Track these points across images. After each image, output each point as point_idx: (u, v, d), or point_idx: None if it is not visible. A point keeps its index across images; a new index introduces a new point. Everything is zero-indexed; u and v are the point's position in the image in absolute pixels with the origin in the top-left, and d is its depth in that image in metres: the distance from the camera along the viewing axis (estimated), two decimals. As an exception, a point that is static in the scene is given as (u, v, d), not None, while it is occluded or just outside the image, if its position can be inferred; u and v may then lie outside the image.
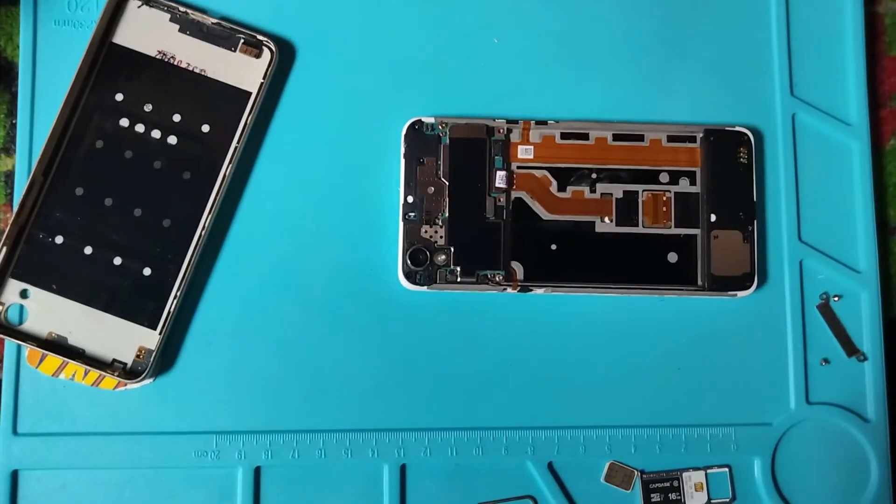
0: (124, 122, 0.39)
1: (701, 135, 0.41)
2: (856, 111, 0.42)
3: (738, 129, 0.41)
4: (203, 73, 0.40)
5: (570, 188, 0.40)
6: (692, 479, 0.40)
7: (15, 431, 0.39)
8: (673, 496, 0.40)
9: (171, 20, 0.40)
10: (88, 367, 0.38)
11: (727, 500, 0.40)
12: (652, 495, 0.40)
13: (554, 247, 0.40)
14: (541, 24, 0.42)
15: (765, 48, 0.43)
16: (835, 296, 0.42)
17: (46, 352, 0.38)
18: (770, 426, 0.41)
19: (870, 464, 0.41)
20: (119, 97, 0.39)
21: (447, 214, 0.40)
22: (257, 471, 0.39)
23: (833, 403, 0.41)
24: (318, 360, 0.40)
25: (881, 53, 0.45)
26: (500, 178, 0.40)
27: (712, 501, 0.40)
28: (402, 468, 0.40)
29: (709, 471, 0.41)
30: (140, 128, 0.39)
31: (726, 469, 0.41)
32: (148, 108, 0.40)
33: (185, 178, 0.39)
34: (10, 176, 0.41)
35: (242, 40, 0.40)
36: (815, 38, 0.43)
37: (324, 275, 0.40)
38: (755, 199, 0.41)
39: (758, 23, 0.43)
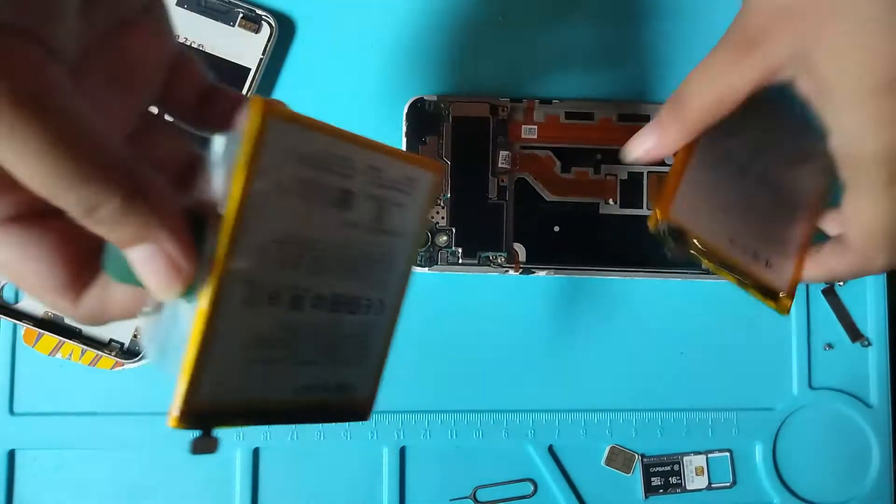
0: (121, 98, 0.39)
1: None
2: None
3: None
4: (201, 49, 0.39)
5: (573, 169, 0.40)
6: (693, 463, 0.40)
7: (12, 411, 0.38)
8: (673, 480, 0.40)
9: (168, -6, 0.39)
10: (85, 347, 0.38)
11: (728, 484, 0.40)
12: (652, 479, 0.40)
13: (557, 228, 0.40)
14: (546, 1, 0.41)
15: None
16: (839, 281, 0.41)
17: (43, 331, 0.37)
18: (772, 411, 0.41)
19: (872, 449, 0.41)
20: (115, 72, 0.39)
21: (449, 195, 0.39)
22: (256, 452, 0.39)
23: (836, 388, 0.41)
24: (317, 341, 0.39)
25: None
26: (503, 159, 0.40)
27: (713, 485, 0.40)
28: (402, 450, 0.39)
29: (710, 455, 0.40)
30: (137, 104, 0.39)
31: (727, 453, 0.40)
32: (145, 83, 0.39)
33: (182, 155, 0.39)
34: (4, 152, 0.40)
35: (241, 15, 0.39)
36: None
37: (323, 255, 0.40)
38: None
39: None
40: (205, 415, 0.19)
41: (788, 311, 0.31)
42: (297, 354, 0.21)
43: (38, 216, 0.19)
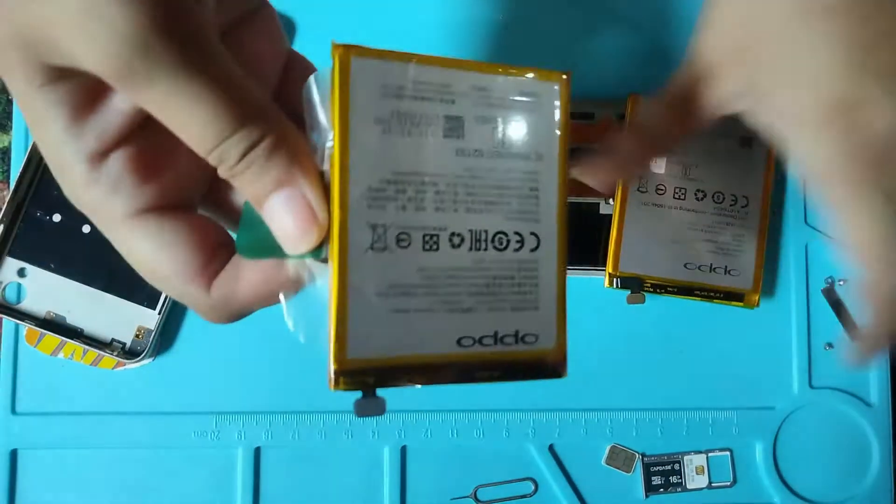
0: (122, 99, 0.39)
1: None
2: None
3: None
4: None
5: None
6: (693, 462, 0.40)
7: (14, 411, 0.38)
8: (674, 479, 0.40)
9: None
10: (87, 347, 0.38)
11: (728, 483, 0.40)
12: (653, 478, 0.40)
13: (557, 228, 0.40)
14: (545, 0, 0.41)
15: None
16: (840, 280, 0.41)
17: (45, 331, 0.38)
18: (772, 410, 0.41)
19: (872, 448, 0.41)
20: (117, 73, 0.39)
21: (450, 195, 0.39)
22: (257, 451, 0.39)
23: (836, 388, 0.41)
24: (318, 340, 0.39)
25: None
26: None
27: (713, 485, 0.40)
28: (403, 450, 0.39)
29: (710, 454, 0.40)
30: (138, 104, 0.39)
31: (728, 453, 0.40)
32: (146, 84, 0.39)
33: (184, 156, 0.39)
34: (6, 153, 0.40)
35: (242, 16, 0.40)
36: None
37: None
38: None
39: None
40: (360, 373, 0.18)
41: (757, 303, 0.39)
42: (447, 302, 0.19)
43: (170, 208, 0.20)
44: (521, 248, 0.20)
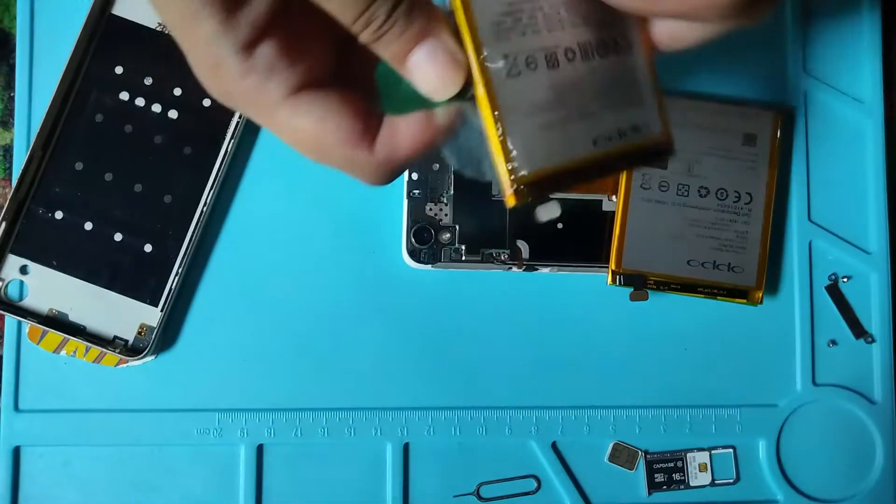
0: (124, 96, 0.39)
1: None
2: (870, 88, 0.42)
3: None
4: (204, 46, 0.39)
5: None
6: (696, 459, 0.40)
7: (17, 408, 0.38)
8: (677, 476, 0.40)
9: (171, -9, 0.39)
10: (89, 344, 0.38)
11: (731, 480, 0.40)
12: (656, 476, 0.40)
13: (560, 225, 0.40)
14: None
15: (779, 25, 0.42)
16: (844, 277, 0.41)
17: (47, 328, 0.37)
18: (776, 407, 0.41)
19: (875, 446, 0.41)
20: (119, 70, 0.39)
21: (452, 192, 0.39)
22: (260, 448, 0.39)
23: (840, 385, 0.41)
24: (321, 337, 0.39)
25: (897, 29, 0.44)
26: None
27: (716, 482, 0.40)
28: (406, 447, 0.39)
29: (713, 451, 0.40)
30: (140, 101, 0.39)
31: (731, 450, 0.40)
32: (148, 81, 0.39)
33: (185, 152, 0.39)
34: (8, 150, 0.40)
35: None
36: (830, 13, 0.42)
37: (327, 252, 0.40)
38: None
39: (771, -3, 0.42)
40: (532, 185, 0.21)
41: (760, 300, 0.39)
42: (577, 110, 0.21)
43: (324, 83, 0.22)
44: (617, 50, 0.22)
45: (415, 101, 0.22)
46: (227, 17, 0.20)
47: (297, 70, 0.21)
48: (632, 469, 0.40)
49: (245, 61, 0.21)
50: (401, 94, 0.22)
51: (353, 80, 0.23)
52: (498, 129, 0.21)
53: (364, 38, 0.20)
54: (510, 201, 0.21)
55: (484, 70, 0.21)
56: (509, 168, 0.21)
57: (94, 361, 0.38)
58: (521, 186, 0.21)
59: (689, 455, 0.40)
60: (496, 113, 0.21)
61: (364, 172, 0.23)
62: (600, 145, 0.22)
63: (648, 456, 0.40)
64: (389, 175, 0.23)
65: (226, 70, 0.21)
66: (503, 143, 0.21)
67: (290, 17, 0.21)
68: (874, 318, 0.41)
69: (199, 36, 0.20)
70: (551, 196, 0.21)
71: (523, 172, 0.21)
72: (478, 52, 0.21)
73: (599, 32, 0.22)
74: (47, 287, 0.38)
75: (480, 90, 0.21)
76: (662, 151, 0.23)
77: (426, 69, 0.21)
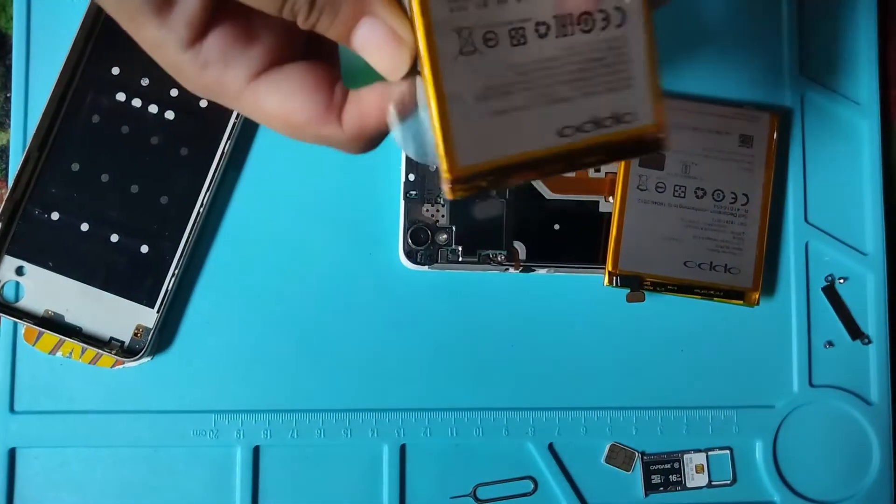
0: (121, 97, 0.39)
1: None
2: (866, 90, 0.42)
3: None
4: (201, 47, 0.39)
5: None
6: (693, 461, 0.40)
7: (12, 409, 0.38)
8: (674, 478, 0.40)
9: (167, -8, 0.39)
10: (86, 346, 0.38)
11: (728, 482, 0.40)
12: (652, 477, 0.40)
13: (557, 226, 0.40)
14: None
15: (774, 26, 0.42)
16: (840, 278, 0.41)
17: (43, 329, 0.37)
18: (772, 409, 0.41)
19: (872, 447, 0.41)
20: (115, 71, 0.39)
21: (449, 193, 0.39)
22: (256, 450, 0.39)
23: (836, 386, 0.41)
24: (317, 338, 0.39)
25: (893, 32, 0.44)
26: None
27: (713, 483, 0.40)
28: (402, 448, 0.39)
29: (710, 453, 0.40)
30: (137, 102, 0.39)
31: (727, 451, 0.40)
32: (145, 82, 0.39)
33: (182, 153, 0.39)
34: (4, 151, 0.40)
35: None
36: (826, 15, 0.42)
37: (324, 253, 0.40)
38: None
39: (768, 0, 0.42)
40: (473, 178, 0.19)
41: (757, 301, 0.39)
42: (543, 95, 0.19)
43: (290, 59, 0.22)
44: (607, 25, 0.19)
45: (372, 73, 0.20)
46: (161, 20, 0.20)
47: (252, 54, 0.21)
48: (628, 470, 0.40)
49: (196, 57, 0.21)
50: (360, 68, 0.21)
51: (325, 50, 0.23)
52: (441, 114, 0.19)
53: (300, 24, 0.20)
54: (447, 194, 0.19)
55: (431, 47, 0.18)
56: (446, 158, 0.19)
57: (90, 363, 0.38)
58: (457, 181, 0.19)
59: (685, 456, 0.40)
60: (439, 95, 0.19)
61: (339, 145, 0.23)
62: (568, 136, 0.19)
63: (645, 457, 0.40)
64: (365, 145, 0.23)
65: (184, 69, 0.21)
66: (444, 130, 0.19)
67: (233, 3, 0.20)
68: (870, 319, 0.41)
69: (146, 39, 0.21)
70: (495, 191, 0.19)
71: (463, 164, 0.19)
72: (425, 25, 0.18)
73: (595, 3, 0.19)
74: (43, 288, 0.38)
75: (425, 69, 0.19)
76: (650, 144, 0.20)
77: (370, 51, 0.20)
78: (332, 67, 0.22)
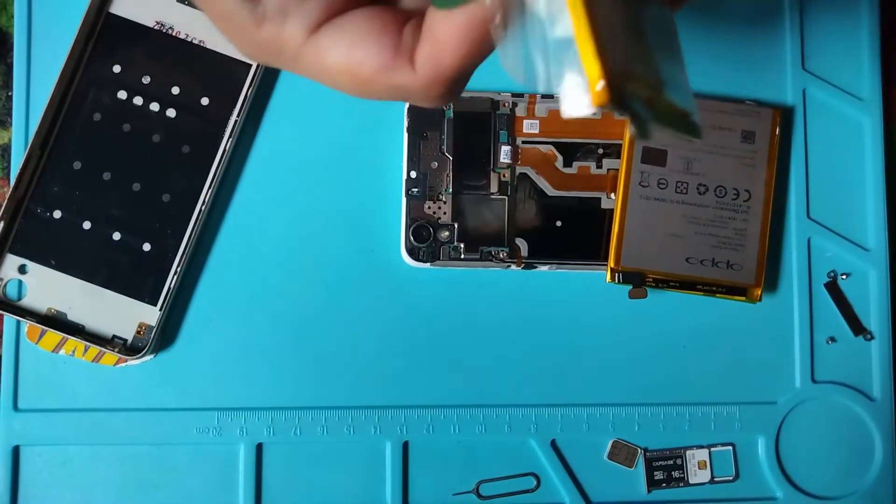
0: (122, 95, 0.39)
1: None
2: (868, 85, 0.42)
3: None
4: (202, 45, 0.39)
5: (575, 164, 0.40)
6: (695, 457, 0.40)
7: (16, 407, 0.38)
8: (676, 474, 0.40)
9: (168, -10, 0.39)
10: (88, 344, 0.38)
11: (730, 478, 0.40)
12: (655, 473, 0.40)
13: (559, 223, 0.40)
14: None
15: (777, 22, 0.42)
16: (843, 274, 0.41)
17: (46, 328, 0.37)
18: (775, 405, 0.41)
19: (874, 443, 0.41)
20: (117, 69, 0.39)
21: (451, 190, 0.39)
22: (259, 447, 0.39)
23: (839, 382, 0.41)
24: (320, 336, 0.39)
25: None
26: (504, 153, 0.39)
27: (716, 479, 0.40)
28: (405, 445, 0.39)
29: (712, 449, 0.40)
30: (138, 100, 0.39)
31: (730, 447, 0.40)
32: (146, 80, 0.39)
33: (184, 151, 0.39)
34: (6, 149, 0.40)
35: (242, 11, 0.39)
36: (829, 9, 0.42)
37: (326, 250, 0.40)
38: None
39: (770, -6, 0.42)
40: (627, 81, 0.16)
41: (759, 298, 0.39)
42: (655, 39, 0.18)
43: (342, 11, 0.20)
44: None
45: None
46: None
47: (311, 5, 0.19)
48: (631, 467, 0.40)
49: (254, 10, 0.19)
50: None
51: None
52: (588, 13, 0.16)
53: None
54: (598, 98, 0.16)
55: None
56: (600, 57, 0.16)
57: (92, 361, 0.38)
58: (615, 80, 0.16)
59: (688, 452, 0.40)
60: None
61: (415, 95, 0.20)
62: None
63: (648, 453, 0.40)
64: (444, 91, 0.20)
65: (239, 24, 0.20)
66: (592, 23, 0.16)
67: None
68: (873, 315, 0.41)
69: (212, 2, 0.19)
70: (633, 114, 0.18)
71: (616, 66, 0.16)
72: None
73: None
74: (46, 286, 0.38)
75: None
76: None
77: None
78: (397, 10, 0.20)
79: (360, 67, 0.19)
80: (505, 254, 0.39)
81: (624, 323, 0.40)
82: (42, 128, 0.38)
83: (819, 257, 0.41)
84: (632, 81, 0.16)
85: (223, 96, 0.39)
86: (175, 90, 0.39)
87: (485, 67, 0.39)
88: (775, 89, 0.41)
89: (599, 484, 0.40)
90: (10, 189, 0.38)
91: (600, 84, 0.16)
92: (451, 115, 0.39)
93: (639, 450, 0.40)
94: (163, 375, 0.39)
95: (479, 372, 0.40)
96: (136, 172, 0.39)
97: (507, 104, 0.40)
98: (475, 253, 0.39)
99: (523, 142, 0.40)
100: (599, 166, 0.40)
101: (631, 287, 0.38)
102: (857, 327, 0.41)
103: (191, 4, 0.39)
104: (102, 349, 0.38)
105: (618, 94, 0.16)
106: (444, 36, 0.19)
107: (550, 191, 0.40)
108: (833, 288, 0.41)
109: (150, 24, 0.39)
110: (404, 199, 0.39)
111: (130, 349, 0.38)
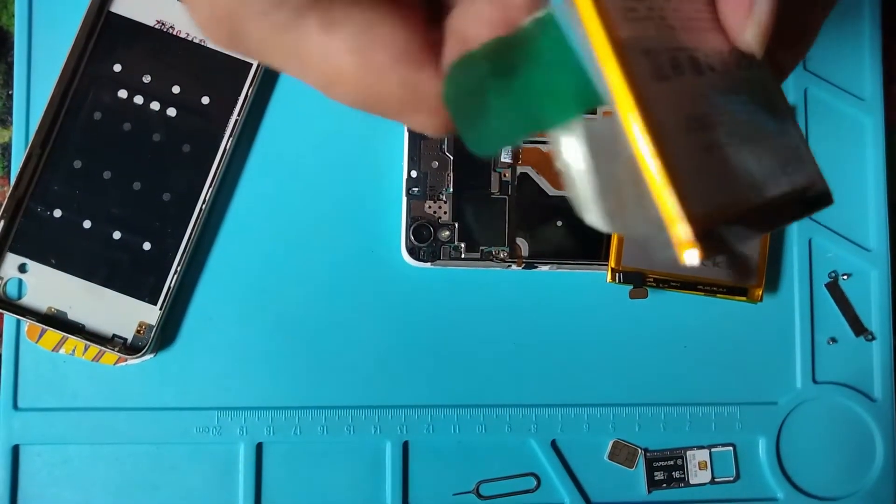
0: (122, 94, 0.39)
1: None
2: (870, 85, 0.42)
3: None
4: (202, 44, 0.39)
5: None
6: (696, 457, 0.40)
7: (16, 406, 0.38)
8: (677, 474, 0.40)
9: (169, -11, 0.39)
10: (88, 343, 0.38)
11: (731, 478, 0.40)
12: (655, 473, 0.40)
13: (559, 223, 0.39)
14: (548, -6, 0.41)
15: (778, 20, 0.42)
16: (844, 274, 0.41)
17: (46, 327, 0.37)
18: (776, 405, 0.41)
19: (875, 444, 0.41)
20: (117, 68, 0.39)
21: (451, 190, 0.39)
22: (259, 447, 0.39)
23: (839, 383, 0.41)
24: (320, 335, 0.39)
25: (897, 27, 0.44)
26: (504, 153, 0.39)
27: (716, 480, 0.40)
28: (405, 445, 0.39)
29: (713, 449, 0.40)
30: (139, 99, 0.39)
31: (731, 448, 0.40)
32: (147, 79, 0.39)
33: (184, 150, 0.39)
34: (6, 148, 0.40)
35: (243, 10, 0.39)
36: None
37: (326, 250, 0.40)
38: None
39: (771, -6, 0.42)
40: (715, 226, 0.14)
41: (760, 298, 0.39)
42: (735, 126, 0.15)
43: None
44: (753, 65, 0.17)
45: None
46: None
47: None
48: (631, 467, 0.40)
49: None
50: None
51: None
52: (655, 139, 0.14)
53: None
54: (684, 247, 0.14)
55: (624, 61, 0.14)
56: (682, 205, 0.13)
57: (92, 360, 0.38)
58: (704, 230, 0.14)
59: (688, 453, 0.40)
60: (649, 117, 0.14)
61: (425, 105, 0.17)
62: (779, 176, 0.16)
63: (648, 454, 0.40)
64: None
65: (252, 19, 0.16)
66: (664, 158, 0.13)
67: None
68: (874, 315, 0.41)
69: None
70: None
71: (698, 208, 0.14)
72: (612, 38, 0.14)
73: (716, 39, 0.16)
74: (46, 285, 0.38)
75: (617, 86, 0.14)
76: (822, 198, 0.18)
77: None
78: (419, 7, 0.17)
79: (377, 56, 0.16)
80: (505, 253, 0.39)
81: (624, 323, 0.40)
82: (42, 127, 0.38)
83: (820, 257, 0.41)
84: (721, 223, 0.14)
85: (224, 95, 0.39)
86: (175, 89, 0.39)
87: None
88: (776, 89, 0.41)
89: (600, 484, 0.40)
90: (11, 188, 0.38)
91: (686, 247, 0.14)
92: (452, 114, 0.39)
93: (639, 450, 0.40)
94: (163, 375, 0.39)
95: (480, 372, 0.40)
96: (137, 171, 0.39)
97: (507, 104, 0.40)
98: (476, 253, 0.39)
99: (524, 141, 0.40)
100: (600, 166, 0.40)
101: (631, 287, 0.38)
102: (858, 328, 0.41)
103: (191, 3, 0.39)
104: (102, 348, 0.38)
105: (711, 247, 0.14)
106: (473, 29, 0.16)
107: (551, 190, 0.40)
108: (834, 288, 0.41)
109: (151, 23, 0.39)
110: (405, 199, 0.39)
111: (130, 348, 0.38)
